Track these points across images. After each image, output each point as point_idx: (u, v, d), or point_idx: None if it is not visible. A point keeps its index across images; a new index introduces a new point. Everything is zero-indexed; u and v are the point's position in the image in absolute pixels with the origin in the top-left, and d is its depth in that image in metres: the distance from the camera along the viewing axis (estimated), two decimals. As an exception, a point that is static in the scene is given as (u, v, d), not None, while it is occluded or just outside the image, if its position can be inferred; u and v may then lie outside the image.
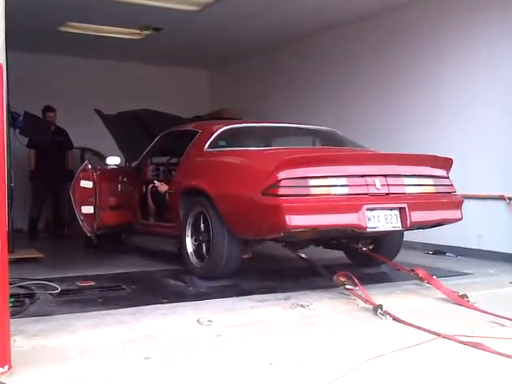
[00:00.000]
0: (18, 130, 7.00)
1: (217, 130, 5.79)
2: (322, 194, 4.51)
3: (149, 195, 6.81)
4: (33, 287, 4.76)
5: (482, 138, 6.86)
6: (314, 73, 9.41)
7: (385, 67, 8.14)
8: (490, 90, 6.79)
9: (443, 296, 4.52)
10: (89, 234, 6.43)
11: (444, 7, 7.36)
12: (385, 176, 4.77)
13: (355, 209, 4.53)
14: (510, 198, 6.53)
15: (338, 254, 6.08)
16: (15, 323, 3.27)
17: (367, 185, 4.67)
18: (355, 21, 8.38)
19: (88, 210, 6.29)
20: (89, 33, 9.07)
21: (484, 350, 3.22)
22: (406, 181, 4.93)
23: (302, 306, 4.23)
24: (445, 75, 7.31)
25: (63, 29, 8.87)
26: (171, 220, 6.06)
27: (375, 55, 8.31)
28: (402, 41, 7.89)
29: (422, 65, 7.59)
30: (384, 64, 8.16)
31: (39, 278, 5.04)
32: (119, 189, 6.75)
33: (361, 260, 5.81)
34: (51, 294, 4.62)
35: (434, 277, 4.82)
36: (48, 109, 8.97)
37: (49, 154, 8.86)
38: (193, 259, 5.43)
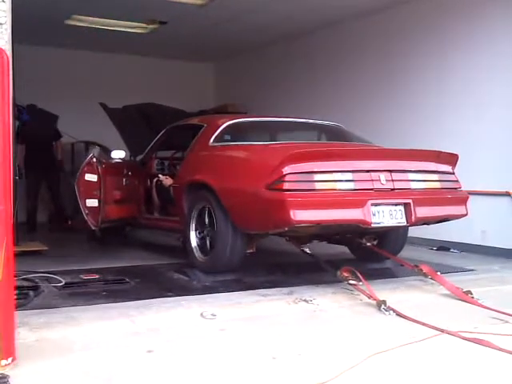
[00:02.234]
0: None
1: (222, 125, 5.78)
2: (326, 189, 4.50)
3: (153, 189, 6.81)
4: (37, 280, 4.77)
5: (488, 135, 6.84)
6: (320, 68, 9.39)
7: (392, 63, 8.12)
8: (497, 88, 6.76)
9: (447, 292, 4.52)
10: (93, 228, 6.44)
11: (452, 3, 7.32)
12: (390, 171, 4.75)
13: (360, 204, 4.52)
14: (515, 195, 6.53)
15: (341, 249, 6.08)
16: (19, 315, 3.28)
17: (372, 180, 4.65)
18: (362, 16, 8.35)
19: (93, 203, 6.29)
20: (95, 26, 9.07)
21: (487, 346, 3.21)
22: (412, 176, 4.91)
23: (305, 300, 4.24)
24: (453, 71, 7.28)
25: (69, 22, 8.88)
26: (175, 214, 6.06)
27: (382, 51, 8.27)
28: (409, 37, 7.85)
29: (430, 61, 7.55)
30: (391, 60, 8.13)
31: (43, 270, 5.06)
32: (124, 182, 6.75)
33: (365, 255, 5.81)
34: (55, 287, 4.64)
35: (438, 273, 4.81)
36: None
37: (38, 145, 8.72)
38: (197, 253, 5.43)
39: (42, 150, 8.89)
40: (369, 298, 4.21)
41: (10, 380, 2.61)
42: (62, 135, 9.31)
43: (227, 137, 5.76)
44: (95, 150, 6.67)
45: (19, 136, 8.29)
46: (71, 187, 6.63)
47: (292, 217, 4.29)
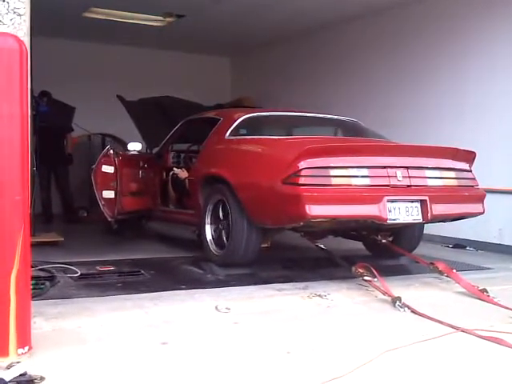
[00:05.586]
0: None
1: (238, 118, 5.78)
2: (342, 185, 4.49)
3: (169, 182, 6.83)
4: (53, 270, 4.80)
5: (507, 132, 6.77)
6: (337, 63, 9.35)
7: (409, 60, 8.04)
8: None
9: (463, 290, 4.49)
10: (109, 219, 6.47)
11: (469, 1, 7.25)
12: (406, 168, 4.73)
13: (376, 200, 4.50)
14: (533, 193, 6.46)
15: (356, 245, 6.06)
16: (35, 305, 3.30)
17: (388, 176, 4.63)
18: (380, 12, 8.28)
19: (109, 194, 6.32)
20: (112, 19, 9.09)
21: (503, 344, 3.18)
22: (428, 173, 4.89)
23: (319, 295, 4.23)
24: (470, 69, 7.22)
25: (87, 14, 8.90)
26: (191, 207, 6.08)
27: (400, 48, 8.20)
28: (426, 34, 7.78)
29: (447, 59, 7.48)
30: (408, 57, 8.06)
31: (59, 261, 5.09)
32: (140, 175, 6.78)
33: (380, 251, 5.78)
34: (71, 278, 4.67)
35: (454, 270, 4.77)
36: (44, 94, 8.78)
37: (50, 137, 8.54)
38: (212, 247, 5.44)
39: (54, 142, 8.89)
40: (383, 294, 4.19)
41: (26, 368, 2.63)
42: (73, 129, 9.34)
43: (243, 130, 5.76)
44: (111, 142, 6.70)
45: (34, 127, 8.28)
46: (85, 179, 6.64)
47: (307, 211, 4.28)
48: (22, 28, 3.18)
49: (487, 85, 6.99)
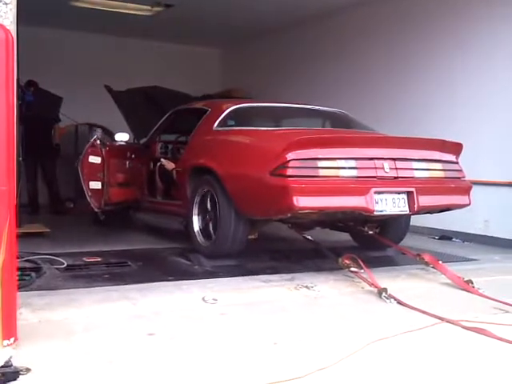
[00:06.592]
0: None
1: (226, 109, 5.76)
2: (330, 176, 4.50)
3: (156, 173, 6.80)
4: (39, 261, 4.78)
5: (494, 125, 6.81)
6: (329, 54, 9.32)
7: (403, 55, 8.04)
8: (507, 80, 6.71)
9: (448, 281, 4.52)
10: (96, 210, 6.45)
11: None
12: (394, 159, 4.74)
13: (363, 192, 4.51)
14: (518, 185, 6.51)
15: (344, 237, 6.08)
16: (21, 296, 3.28)
17: (376, 168, 4.65)
18: (372, 3, 8.27)
19: (96, 185, 6.30)
20: (100, 8, 9.01)
21: (487, 335, 3.22)
22: (415, 165, 4.90)
23: (306, 287, 4.25)
24: (465, 60, 7.23)
25: (74, 3, 8.82)
26: (178, 198, 6.06)
27: (394, 42, 8.18)
28: (420, 29, 7.78)
29: (442, 53, 7.49)
30: (402, 52, 8.06)
31: (46, 252, 5.07)
32: (127, 165, 6.75)
33: (367, 243, 5.80)
34: (58, 269, 4.65)
35: (440, 262, 4.81)
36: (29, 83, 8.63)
37: (37, 127, 8.45)
38: (199, 238, 5.43)
39: (41, 132, 8.82)
40: (370, 285, 4.21)
41: (11, 360, 2.62)
42: (60, 119, 9.28)
43: (231, 122, 5.75)
44: (98, 133, 6.66)
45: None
46: (72, 170, 6.60)
47: (295, 203, 4.29)
48: (8, 17, 3.14)
49: (479, 80, 7.01)
